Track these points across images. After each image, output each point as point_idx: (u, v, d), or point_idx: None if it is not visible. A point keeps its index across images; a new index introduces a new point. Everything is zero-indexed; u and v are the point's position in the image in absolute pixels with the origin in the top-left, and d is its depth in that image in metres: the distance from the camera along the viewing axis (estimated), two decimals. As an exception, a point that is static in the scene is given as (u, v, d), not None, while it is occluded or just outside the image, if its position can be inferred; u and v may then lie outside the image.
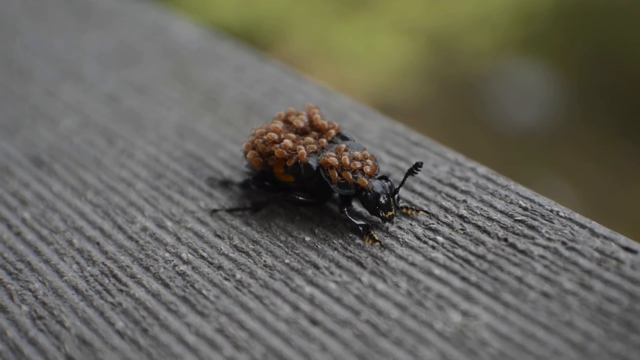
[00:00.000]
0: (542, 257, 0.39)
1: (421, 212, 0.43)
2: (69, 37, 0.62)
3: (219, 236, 0.43)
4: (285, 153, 0.42)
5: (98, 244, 0.43)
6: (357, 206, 0.44)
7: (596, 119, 1.31)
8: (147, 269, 0.41)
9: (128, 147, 0.50)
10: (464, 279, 0.39)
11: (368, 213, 0.42)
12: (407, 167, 0.46)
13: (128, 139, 0.50)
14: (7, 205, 0.46)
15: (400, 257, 0.40)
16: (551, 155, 1.23)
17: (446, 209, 0.43)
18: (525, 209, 0.42)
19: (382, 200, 0.41)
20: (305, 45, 1.38)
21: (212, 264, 0.41)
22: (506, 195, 0.43)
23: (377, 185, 0.42)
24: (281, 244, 0.42)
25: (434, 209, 0.43)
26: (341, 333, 0.37)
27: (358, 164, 0.42)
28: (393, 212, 0.41)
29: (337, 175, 0.42)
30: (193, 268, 0.41)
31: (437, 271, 0.39)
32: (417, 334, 0.36)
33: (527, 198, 0.43)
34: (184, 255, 0.41)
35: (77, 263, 0.42)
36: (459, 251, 0.40)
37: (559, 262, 0.39)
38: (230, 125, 0.51)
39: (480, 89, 1.35)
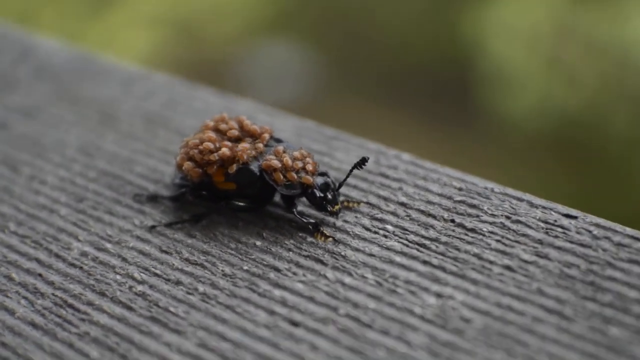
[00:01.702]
0: (492, 232, 0.41)
1: (362, 203, 0.43)
2: None
3: (165, 252, 0.42)
4: (229, 153, 0.42)
5: (40, 275, 0.41)
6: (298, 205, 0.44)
7: (355, 90, 1.37)
8: (102, 294, 0.40)
9: (36, 173, 0.48)
10: (425, 262, 0.40)
11: (313, 210, 0.43)
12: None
13: (33, 164, 0.48)
14: None
15: (357, 250, 0.41)
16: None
17: (385, 198, 0.44)
18: (460, 189, 0.44)
19: (328, 195, 0.42)
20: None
21: (169, 280, 0.40)
22: (438, 178, 0.45)
23: (321, 181, 0.42)
24: (233, 252, 0.41)
25: (373, 200, 0.44)
26: (325, 330, 0.37)
27: (300, 164, 0.42)
28: (339, 206, 0.42)
29: (282, 177, 0.42)
30: (151, 287, 0.40)
31: (397, 258, 0.40)
32: (400, 321, 0.37)
33: (458, 179, 0.44)
34: (136, 275, 0.40)
35: (25, 298, 0.40)
36: (412, 237, 0.41)
37: (509, 235, 0.41)
38: (137, 139, 0.50)
39: (234, 72, 1.38)
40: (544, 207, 0.42)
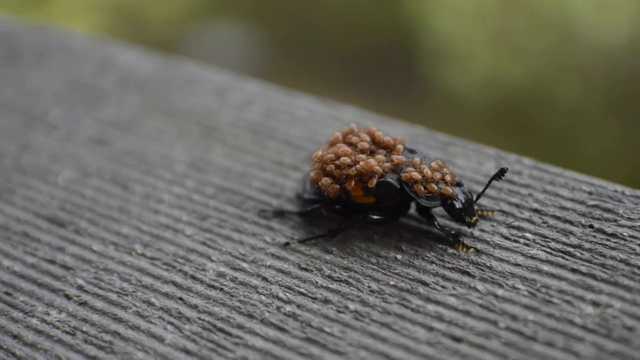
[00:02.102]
0: (633, 237, 0.41)
1: (496, 212, 0.43)
2: (9, 81, 0.57)
3: (305, 269, 0.41)
4: (367, 168, 0.41)
5: (181, 299, 0.40)
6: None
7: (301, 71, 1.38)
8: (250, 316, 0.39)
9: (150, 191, 0.47)
10: (574, 270, 0.40)
11: (448, 220, 0.42)
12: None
13: (144, 182, 0.48)
14: (52, 275, 0.42)
15: (501, 260, 0.41)
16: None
17: (517, 205, 0.44)
18: (590, 193, 0.44)
19: (467, 206, 0.42)
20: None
21: (316, 298, 0.40)
22: (566, 182, 0.44)
23: (460, 192, 0.42)
24: (375, 266, 0.41)
25: (505, 207, 0.44)
26: (489, 344, 0.37)
27: (438, 175, 0.42)
28: (477, 217, 0.42)
29: (422, 188, 0.41)
30: (299, 306, 0.39)
31: (545, 267, 0.40)
32: (563, 332, 0.37)
33: (586, 182, 0.44)
34: (281, 294, 0.40)
35: (170, 323, 0.39)
36: (554, 244, 0.41)
37: (652, 239, 0.41)
38: (247, 152, 0.49)
39: (179, 55, 1.38)
40: (680, 209, 0.42)
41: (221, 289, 0.41)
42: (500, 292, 0.39)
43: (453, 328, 0.38)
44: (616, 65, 1.24)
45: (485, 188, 0.42)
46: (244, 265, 0.42)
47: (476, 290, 0.39)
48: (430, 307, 0.39)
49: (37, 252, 0.44)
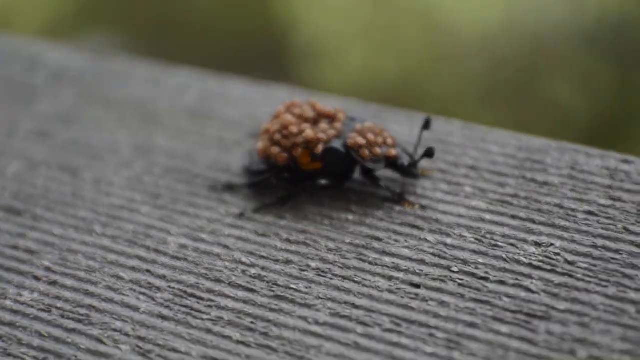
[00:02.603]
0: (563, 183, 0.45)
1: (435, 171, 0.46)
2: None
3: (263, 235, 0.44)
4: (312, 134, 0.44)
5: (148, 271, 0.42)
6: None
7: None
8: (218, 280, 0.41)
9: (99, 176, 0.49)
10: (514, 217, 0.43)
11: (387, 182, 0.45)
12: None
13: (92, 167, 0.49)
14: (18, 259, 0.44)
15: (446, 213, 0.44)
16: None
17: (453, 164, 0.47)
18: (519, 148, 0.47)
19: (411, 160, 0.45)
20: None
21: (278, 260, 0.42)
22: (496, 140, 0.48)
23: (401, 151, 0.45)
24: (329, 227, 0.44)
25: (442, 166, 0.47)
26: (446, 287, 0.40)
27: (380, 139, 0.45)
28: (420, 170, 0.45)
29: (367, 152, 0.44)
30: (263, 268, 0.42)
31: (487, 216, 0.43)
32: (512, 271, 0.40)
33: (515, 138, 0.48)
34: (244, 259, 0.42)
35: (142, 294, 0.41)
36: (492, 195, 0.44)
37: (580, 184, 0.44)
38: (189, 133, 0.51)
39: None
40: (601, 156, 0.46)
41: (185, 259, 0.43)
42: (449, 240, 0.42)
43: (410, 275, 0.40)
44: (488, 53, 1.29)
45: (419, 141, 0.45)
46: (204, 236, 0.44)
47: (427, 241, 0.42)
48: (387, 259, 0.41)
49: (-2, 240, 0.45)
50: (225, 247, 0.43)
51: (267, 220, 0.45)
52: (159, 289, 0.41)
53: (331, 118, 0.46)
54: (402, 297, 0.39)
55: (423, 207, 0.44)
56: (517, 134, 0.48)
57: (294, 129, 0.45)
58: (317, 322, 0.39)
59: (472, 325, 0.38)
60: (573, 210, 0.43)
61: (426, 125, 0.46)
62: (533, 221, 0.43)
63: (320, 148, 0.44)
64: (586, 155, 0.46)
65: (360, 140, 0.44)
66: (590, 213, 0.43)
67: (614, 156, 0.46)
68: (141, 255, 0.43)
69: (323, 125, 0.45)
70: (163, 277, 0.42)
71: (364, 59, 1.32)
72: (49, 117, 0.54)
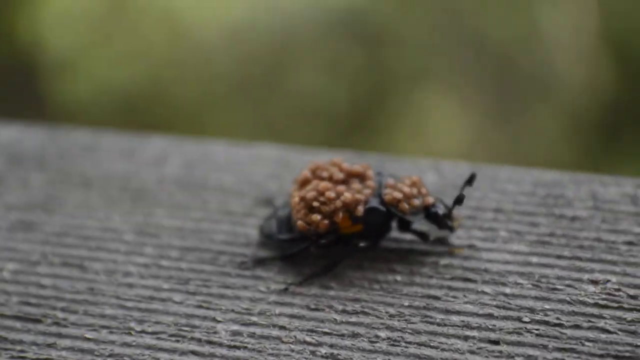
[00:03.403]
0: (592, 216, 0.45)
1: (462, 218, 0.46)
2: None
3: (316, 309, 0.42)
4: (350, 197, 0.43)
5: (210, 365, 0.40)
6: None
7: None
8: (289, 366, 0.40)
9: (111, 267, 0.46)
10: (559, 257, 0.43)
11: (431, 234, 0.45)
12: None
13: (100, 259, 0.46)
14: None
15: (491, 261, 0.44)
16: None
17: (477, 208, 0.47)
18: (534, 184, 0.48)
19: (447, 211, 0.44)
20: None
21: (343, 335, 0.41)
22: (509, 178, 0.48)
23: (437, 201, 0.44)
24: (381, 292, 0.43)
25: (468, 212, 0.46)
26: (525, 339, 0.40)
27: (415, 190, 0.44)
28: (457, 221, 0.45)
29: (406, 206, 0.43)
30: (331, 346, 0.40)
31: (534, 259, 0.43)
32: (581, 312, 0.40)
33: (528, 174, 0.48)
34: (308, 339, 0.41)
35: (214, 391, 0.39)
36: (529, 237, 0.45)
37: (608, 214, 0.45)
38: (190, 208, 0.49)
39: None
40: (616, 183, 0.47)
41: (245, 347, 0.41)
42: (507, 290, 0.42)
43: (485, 332, 0.40)
44: (234, 51, 1.31)
45: (460, 194, 0.45)
46: (254, 318, 0.42)
47: (485, 293, 0.42)
48: (454, 318, 0.41)
49: (27, 354, 0.41)
50: (282, 327, 0.41)
51: (313, 293, 0.43)
52: (230, 384, 0.39)
53: (361, 176, 0.45)
54: (486, 356, 0.39)
55: (471, 246, 0.44)
56: (527, 169, 0.49)
57: (331, 194, 0.43)
58: (412, 396, 0.38)
59: (567, 376, 0.38)
60: (613, 242, 0.44)
61: (470, 180, 0.45)
62: (579, 259, 0.43)
63: (361, 210, 0.43)
64: (601, 184, 0.47)
65: (398, 195, 0.44)
66: (630, 243, 0.44)
67: (628, 182, 0.47)
68: (195, 350, 0.41)
69: (356, 185, 0.44)
70: (230, 371, 0.40)
71: (110, 68, 1.32)
72: (27, 207, 0.50)
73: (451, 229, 0.44)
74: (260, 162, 0.51)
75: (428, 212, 0.44)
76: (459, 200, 0.44)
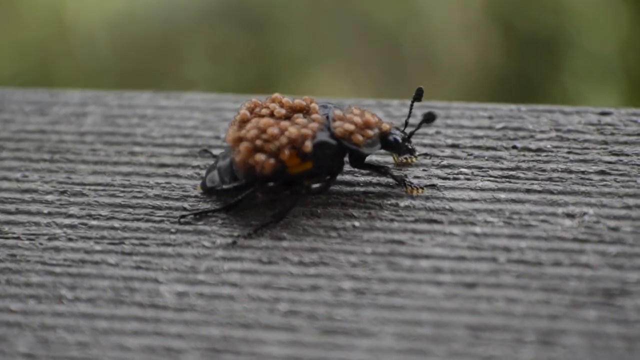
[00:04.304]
0: (557, 147, 0.42)
1: (419, 156, 0.42)
2: None
3: (270, 262, 0.38)
4: (296, 132, 0.39)
5: (157, 333, 0.36)
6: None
7: None
8: (247, 326, 0.36)
9: (33, 230, 0.41)
10: (529, 191, 0.40)
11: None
12: None
13: (18, 222, 0.41)
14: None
15: (456, 199, 0.40)
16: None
17: (433, 146, 0.43)
18: (490, 117, 0.44)
19: (404, 135, 0.41)
20: None
21: (302, 289, 0.37)
22: (462, 113, 0.45)
23: (392, 126, 0.41)
24: (339, 240, 0.39)
25: (423, 150, 0.43)
26: (504, 281, 0.36)
27: (366, 119, 0.40)
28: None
29: (360, 137, 0.40)
30: (294, 301, 0.36)
31: (502, 195, 0.40)
32: (561, 249, 0.37)
33: (481, 108, 0.45)
34: (264, 295, 0.37)
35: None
36: (493, 172, 0.41)
37: (574, 144, 0.42)
38: (119, 164, 0.44)
39: None
40: (577, 112, 0.44)
41: (194, 310, 0.36)
42: (477, 229, 0.39)
43: (459, 276, 0.37)
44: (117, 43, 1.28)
45: (410, 113, 0.41)
46: (201, 277, 0.38)
47: (454, 234, 0.38)
48: (424, 263, 0.37)
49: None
50: (234, 285, 0.37)
51: (264, 245, 0.39)
52: (180, 352, 0.35)
53: (305, 110, 0.41)
54: (463, 301, 0.36)
55: (432, 186, 0.40)
56: (480, 103, 0.45)
57: (274, 131, 0.39)
58: (385, 351, 0.34)
59: (555, 317, 0.35)
60: (584, 172, 0.41)
61: (418, 97, 0.42)
62: (551, 192, 0.40)
63: (309, 145, 0.39)
64: (562, 114, 0.44)
65: (349, 127, 0.40)
66: (603, 172, 0.40)
67: (590, 110, 0.44)
68: (138, 315, 0.36)
69: (301, 120, 0.40)
70: (179, 337, 0.35)
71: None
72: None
73: (412, 152, 0.41)
74: (190, 111, 0.47)
75: (386, 141, 0.40)
76: (429, 118, 0.40)
